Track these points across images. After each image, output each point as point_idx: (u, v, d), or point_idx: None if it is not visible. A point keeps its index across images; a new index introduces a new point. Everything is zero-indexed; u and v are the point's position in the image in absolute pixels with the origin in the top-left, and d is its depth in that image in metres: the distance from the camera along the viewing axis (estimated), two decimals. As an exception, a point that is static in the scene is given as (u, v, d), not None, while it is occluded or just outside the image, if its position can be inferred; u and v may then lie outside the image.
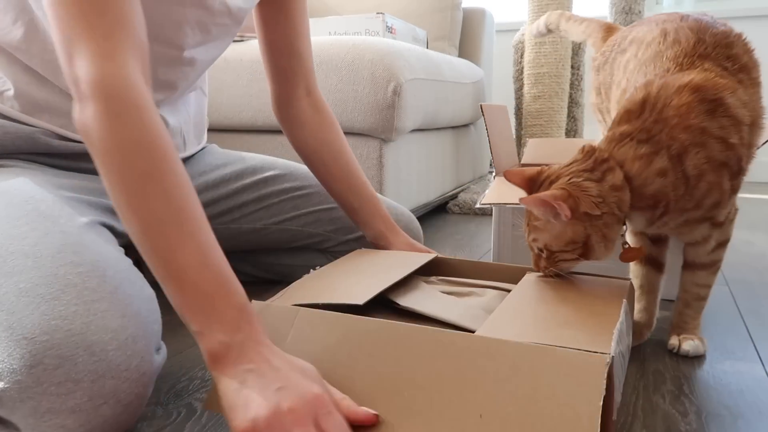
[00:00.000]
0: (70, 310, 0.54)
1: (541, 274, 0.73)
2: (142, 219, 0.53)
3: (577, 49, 2.16)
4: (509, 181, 0.73)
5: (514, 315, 0.62)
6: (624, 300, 0.66)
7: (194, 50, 0.82)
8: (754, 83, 0.71)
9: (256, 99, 1.41)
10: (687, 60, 0.69)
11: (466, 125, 2.03)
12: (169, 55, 0.79)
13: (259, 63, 1.37)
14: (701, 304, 0.77)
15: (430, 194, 1.68)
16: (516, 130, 2.25)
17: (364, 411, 0.50)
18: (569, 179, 0.67)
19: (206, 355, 0.51)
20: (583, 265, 0.77)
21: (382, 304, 0.71)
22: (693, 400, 0.66)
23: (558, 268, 0.71)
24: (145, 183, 0.53)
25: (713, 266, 0.75)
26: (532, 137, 2.06)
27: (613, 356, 0.49)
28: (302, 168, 1.04)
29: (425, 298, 0.72)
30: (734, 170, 0.67)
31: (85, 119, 0.54)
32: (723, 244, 0.74)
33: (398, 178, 1.45)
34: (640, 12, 2.04)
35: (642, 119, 0.67)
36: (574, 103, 2.18)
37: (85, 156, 0.80)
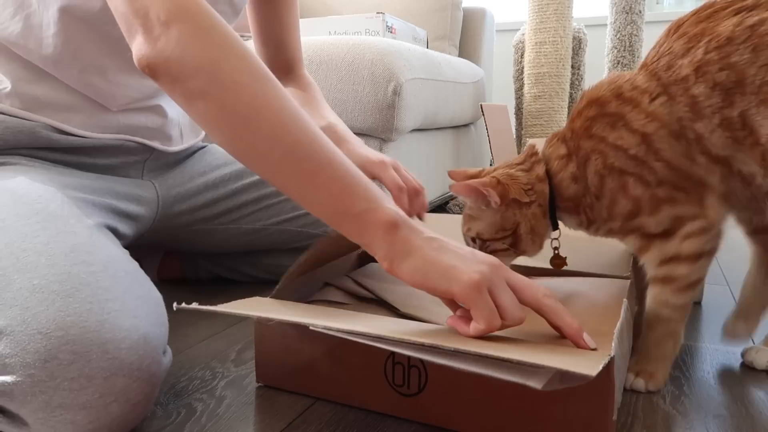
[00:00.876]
0: (85, 308, 0.54)
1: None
2: (273, 132, 0.53)
3: (577, 49, 2.16)
4: (453, 179, 0.74)
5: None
6: (625, 299, 0.66)
7: None
8: (689, 93, 0.63)
9: (256, 99, 1.41)
10: (642, 67, 0.68)
11: (466, 125, 2.03)
12: None
13: (259, 63, 1.37)
14: (663, 331, 0.66)
15: (430, 194, 1.68)
16: (516, 129, 2.25)
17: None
18: (502, 171, 0.71)
19: (381, 226, 0.53)
20: (583, 264, 0.77)
21: (383, 309, 0.71)
22: (693, 400, 0.66)
23: None
24: (261, 95, 0.54)
25: (669, 283, 0.65)
26: (532, 137, 2.06)
27: (613, 356, 0.49)
28: None
29: (425, 301, 0.72)
30: (648, 180, 0.65)
31: (164, 46, 0.53)
32: (678, 259, 0.65)
33: (398, 178, 1.45)
34: (640, 12, 2.03)
35: (567, 125, 0.70)
36: (574, 103, 2.18)
37: (85, 150, 0.80)
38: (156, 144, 0.88)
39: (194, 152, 1.01)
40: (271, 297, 0.69)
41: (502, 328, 0.51)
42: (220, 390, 0.69)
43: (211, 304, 0.59)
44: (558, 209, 0.71)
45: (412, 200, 0.82)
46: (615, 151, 0.65)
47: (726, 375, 0.72)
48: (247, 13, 0.97)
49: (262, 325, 0.68)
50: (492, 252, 0.71)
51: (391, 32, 1.62)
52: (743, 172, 0.63)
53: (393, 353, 0.60)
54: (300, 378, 0.66)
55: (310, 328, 0.56)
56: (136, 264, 0.65)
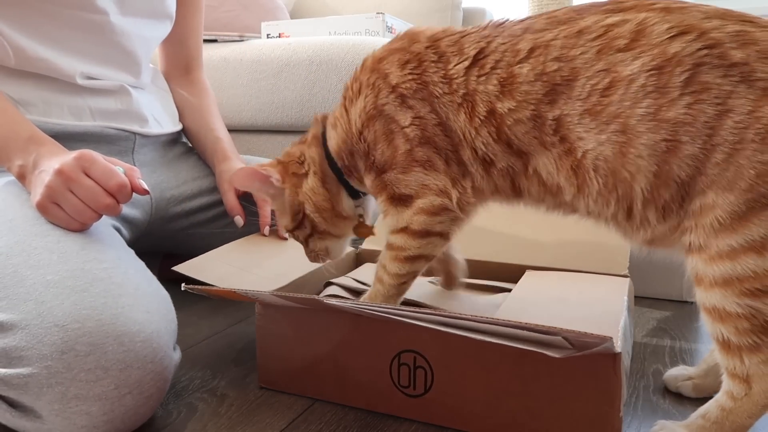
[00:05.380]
0: (99, 302, 0.56)
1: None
2: None
3: (576, 49, 2.16)
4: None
5: (517, 313, 0.62)
6: (625, 297, 0.66)
7: (121, 19, 0.83)
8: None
9: (256, 99, 1.41)
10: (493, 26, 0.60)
11: (465, 125, 2.03)
12: (95, 20, 0.80)
13: (259, 63, 1.37)
14: (378, 290, 0.63)
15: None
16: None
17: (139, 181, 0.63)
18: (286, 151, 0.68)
19: (18, 179, 0.67)
20: (581, 261, 0.77)
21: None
22: (693, 400, 0.66)
23: (315, 252, 0.69)
24: None
25: (392, 249, 0.62)
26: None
27: (620, 352, 0.49)
28: None
29: (432, 293, 0.73)
30: (411, 136, 0.58)
31: None
32: (406, 232, 0.60)
33: (398, 178, 1.45)
34: (639, 12, 2.04)
35: None
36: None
37: (68, 139, 0.80)
38: (135, 127, 0.88)
39: (187, 153, 1.01)
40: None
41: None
42: (220, 389, 0.69)
43: (211, 303, 0.59)
44: (343, 172, 0.64)
45: None
46: (390, 91, 0.58)
47: (726, 374, 0.72)
48: None
49: (264, 327, 0.68)
50: (307, 239, 0.67)
51: (391, 32, 1.62)
52: (542, 176, 0.55)
53: (399, 354, 0.60)
54: (303, 380, 0.66)
55: (324, 301, 0.57)
56: (142, 263, 0.66)
